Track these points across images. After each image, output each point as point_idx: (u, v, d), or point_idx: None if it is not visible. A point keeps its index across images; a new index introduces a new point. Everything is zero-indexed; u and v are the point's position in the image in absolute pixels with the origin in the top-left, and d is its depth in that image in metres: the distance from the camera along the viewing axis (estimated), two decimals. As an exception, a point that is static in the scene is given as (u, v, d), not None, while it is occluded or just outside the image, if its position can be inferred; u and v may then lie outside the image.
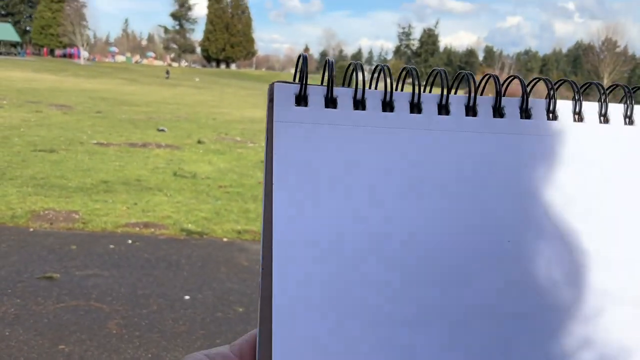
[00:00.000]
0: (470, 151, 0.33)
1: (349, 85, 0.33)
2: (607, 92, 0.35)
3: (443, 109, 0.33)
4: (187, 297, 3.01)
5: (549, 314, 0.32)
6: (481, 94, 0.34)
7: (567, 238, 0.33)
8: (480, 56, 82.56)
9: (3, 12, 61.43)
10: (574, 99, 0.34)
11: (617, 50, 54.17)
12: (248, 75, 50.74)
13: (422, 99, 0.33)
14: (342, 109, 0.32)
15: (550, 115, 0.34)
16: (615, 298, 0.33)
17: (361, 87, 0.32)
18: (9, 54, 47.48)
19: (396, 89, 0.33)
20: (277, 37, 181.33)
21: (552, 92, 0.34)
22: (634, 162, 0.35)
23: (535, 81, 0.36)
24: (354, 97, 0.32)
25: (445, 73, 0.33)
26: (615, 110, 0.35)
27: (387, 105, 0.32)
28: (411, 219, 0.31)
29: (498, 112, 0.34)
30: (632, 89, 0.36)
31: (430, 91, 0.34)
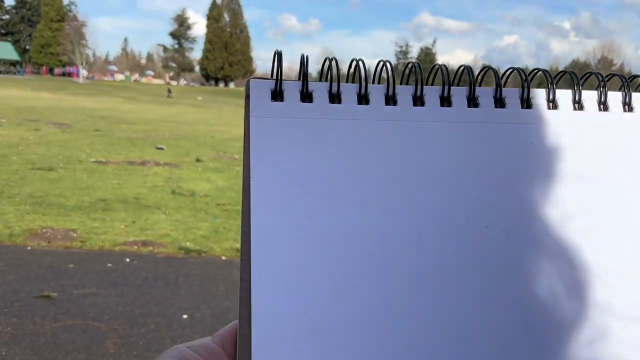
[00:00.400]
0: (447, 141, 0.33)
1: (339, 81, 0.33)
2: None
3: (418, 100, 0.33)
4: (185, 316, 2.99)
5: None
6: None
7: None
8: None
9: (3, 31, 61.78)
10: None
11: (614, 68, 54.62)
12: (246, 93, 50.69)
13: (397, 91, 0.33)
14: (318, 103, 0.32)
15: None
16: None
17: (336, 81, 0.32)
18: (8, 72, 47.65)
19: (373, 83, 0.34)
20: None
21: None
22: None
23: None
24: (330, 91, 0.33)
25: (419, 66, 0.34)
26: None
27: (363, 98, 0.33)
28: (390, 211, 0.32)
29: (472, 102, 0.34)
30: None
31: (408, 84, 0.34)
